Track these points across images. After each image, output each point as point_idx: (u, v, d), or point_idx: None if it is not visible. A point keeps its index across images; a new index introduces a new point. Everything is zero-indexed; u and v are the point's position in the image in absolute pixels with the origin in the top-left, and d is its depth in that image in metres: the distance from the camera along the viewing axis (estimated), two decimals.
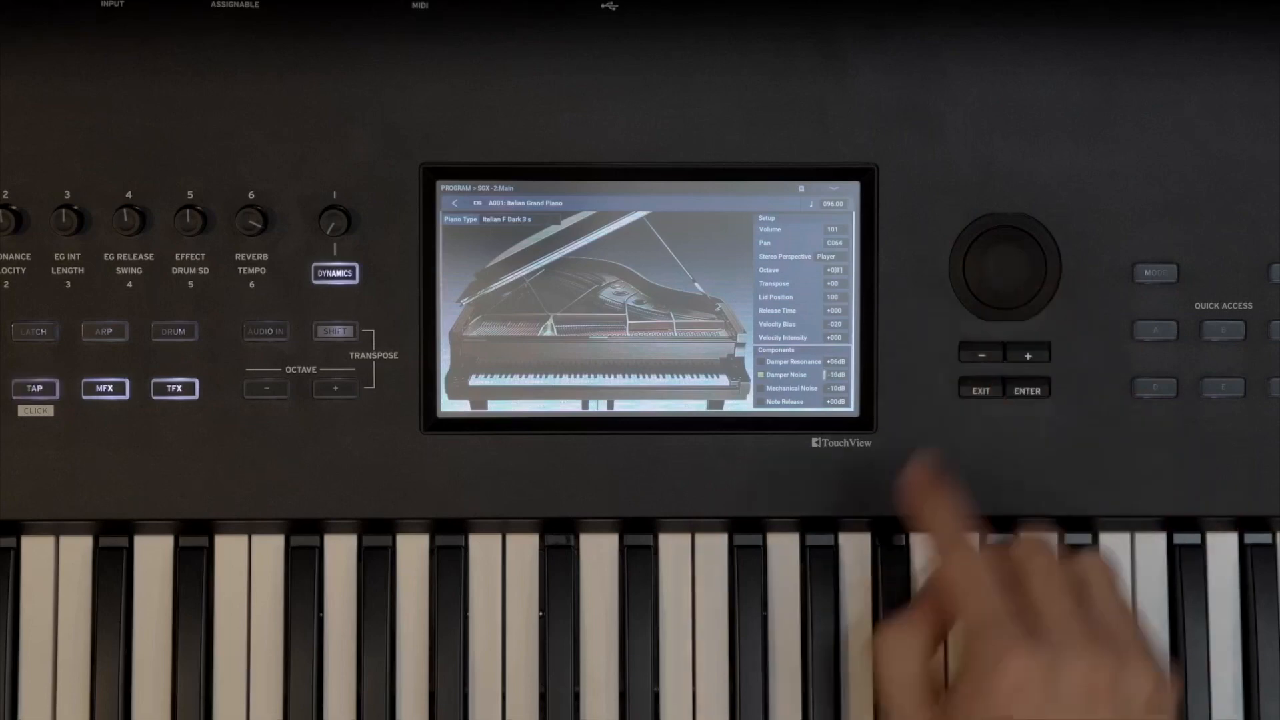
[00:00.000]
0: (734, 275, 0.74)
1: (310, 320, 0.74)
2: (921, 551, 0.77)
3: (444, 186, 0.74)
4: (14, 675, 0.75)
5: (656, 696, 0.76)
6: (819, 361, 0.75)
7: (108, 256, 0.73)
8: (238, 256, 0.73)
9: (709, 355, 0.75)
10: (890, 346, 0.74)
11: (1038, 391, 0.74)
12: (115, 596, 0.75)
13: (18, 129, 0.73)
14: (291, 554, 0.76)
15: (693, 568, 0.77)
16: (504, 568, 0.77)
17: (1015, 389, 0.74)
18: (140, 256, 0.73)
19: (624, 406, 0.75)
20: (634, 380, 0.75)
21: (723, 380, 0.75)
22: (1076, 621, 0.64)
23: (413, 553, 0.77)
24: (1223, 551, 0.78)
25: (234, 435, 0.73)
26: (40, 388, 0.73)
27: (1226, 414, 0.75)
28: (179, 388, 0.73)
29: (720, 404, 0.75)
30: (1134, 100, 0.74)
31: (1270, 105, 0.74)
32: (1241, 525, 0.77)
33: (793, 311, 0.75)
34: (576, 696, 0.76)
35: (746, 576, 0.76)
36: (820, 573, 0.76)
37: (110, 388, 0.73)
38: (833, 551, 0.77)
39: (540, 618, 0.76)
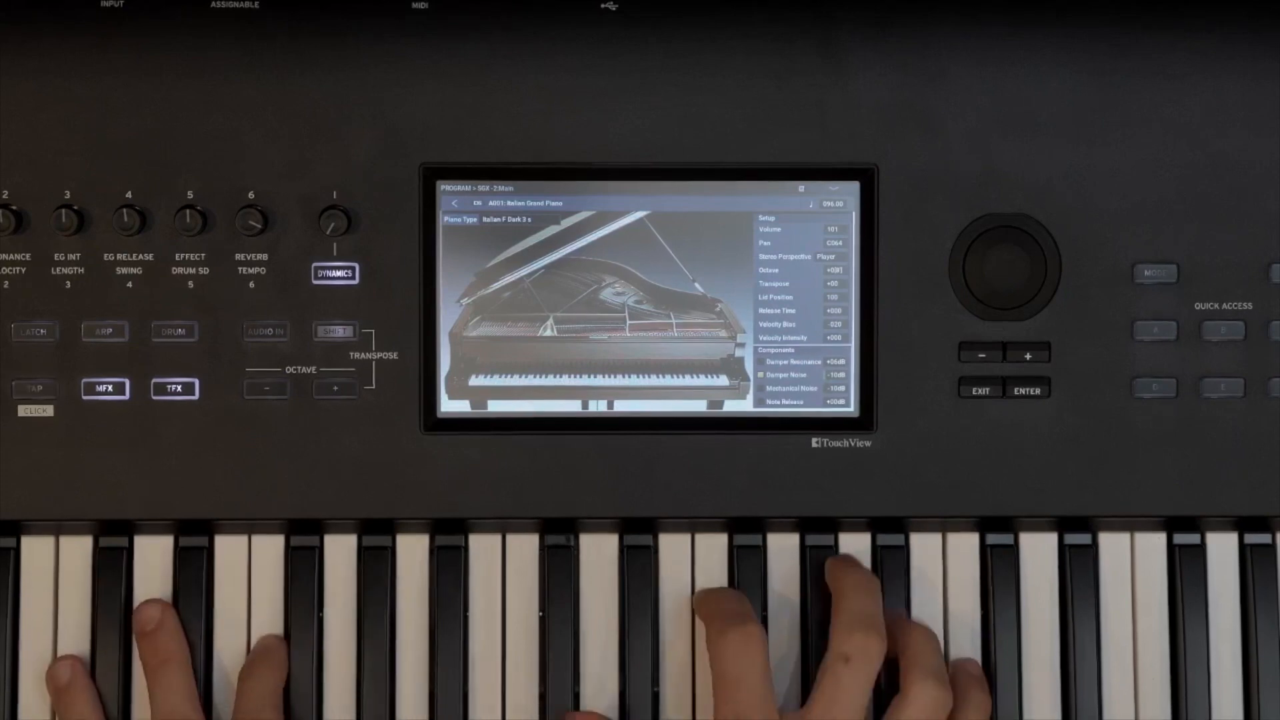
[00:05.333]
0: (734, 275, 0.74)
1: (310, 320, 0.74)
2: (921, 551, 0.77)
3: (444, 186, 0.74)
4: (14, 675, 0.75)
5: (656, 696, 0.76)
6: (819, 361, 0.75)
7: (108, 256, 0.73)
8: (238, 256, 0.73)
9: (709, 355, 0.75)
10: (890, 346, 0.74)
11: (1038, 391, 0.74)
12: (115, 596, 0.75)
13: (18, 129, 0.73)
14: (291, 554, 0.76)
15: (693, 568, 0.77)
16: (504, 568, 0.77)
17: (1015, 389, 0.74)
18: (140, 256, 0.73)
19: (624, 406, 0.75)
20: (634, 380, 0.75)
21: (722, 380, 0.75)
22: None
23: (413, 553, 0.77)
24: (1223, 551, 0.78)
25: (234, 435, 0.73)
26: (40, 388, 0.73)
27: (1226, 414, 0.75)
28: (179, 388, 0.73)
29: (720, 404, 0.75)
30: (1134, 100, 0.74)
31: (1270, 105, 0.74)
32: (1241, 525, 0.77)
33: (793, 311, 0.75)
34: (576, 696, 0.76)
35: (746, 576, 0.76)
36: (820, 573, 0.76)
37: (110, 388, 0.73)
38: (833, 552, 0.77)
39: (540, 618, 0.76)
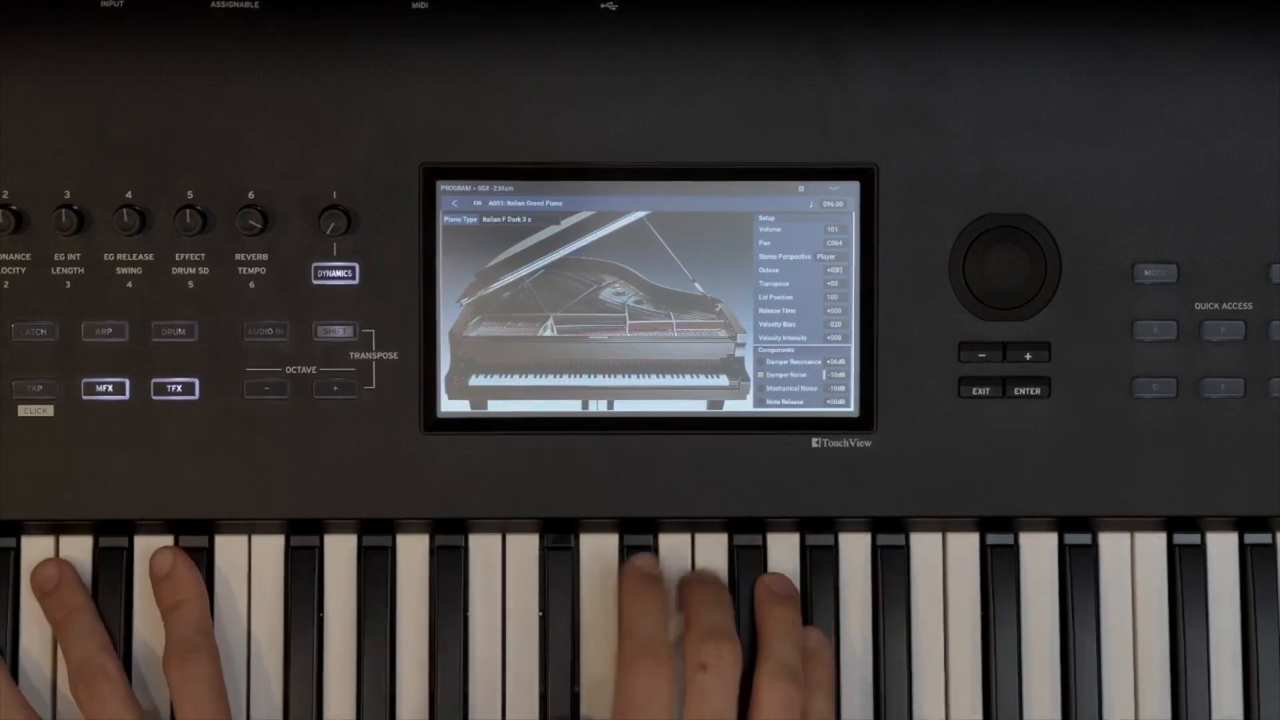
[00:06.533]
0: (734, 275, 0.74)
1: (310, 320, 0.74)
2: (921, 551, 0.77)
3: (444, 186, 0.74)
4: (14, 675, 0.75)
5: None
6: (819, 361, 0.75)
7: (108, 256, 0.73)
8: (238, 256, 0.74)
9: (709, 355, 0.75)
10: (890, 346, 0.74)
11: (1038, 391, 0.74)
12: (115, 596, 0.75)
13: (18, 129, 0.73)
14: (291, 554, 0.76)
15: (693, 568, 0.77)
16: (504, 568, 0.77)
17: (1015, 389, 0.74)
18: (140, 256, 0.73)
19: (624, 406, 0.75)
20: (634, 380, 0.75)
21: (722, 380, 0.75)
22: None
23: (413, 553, 0.77)
24: (1223, 551, 0.78)
25: (234, 435, 0.73)
26: (40, 388, 0.73)
27: (1226, 414, 0.75)
28: (179, 388, 0.73)
29: (720, 404, 0.75)
30: (1134, 100, 0.74)
31: (1270, 105, 0.74)
32: (1241, 525, 0.77)
33: (793, 311, 0.75)
34: (576, 696, 0.76)
35: (746, 576, 0.76)
36: (820, 573, 0.77)
37: (110, 388, 0.73)
38: (833, 551, 0.77)
39: (540, 618, 0.76)
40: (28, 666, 0.76)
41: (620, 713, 0.70)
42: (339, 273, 0.74)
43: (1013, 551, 0.77)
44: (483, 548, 0.77)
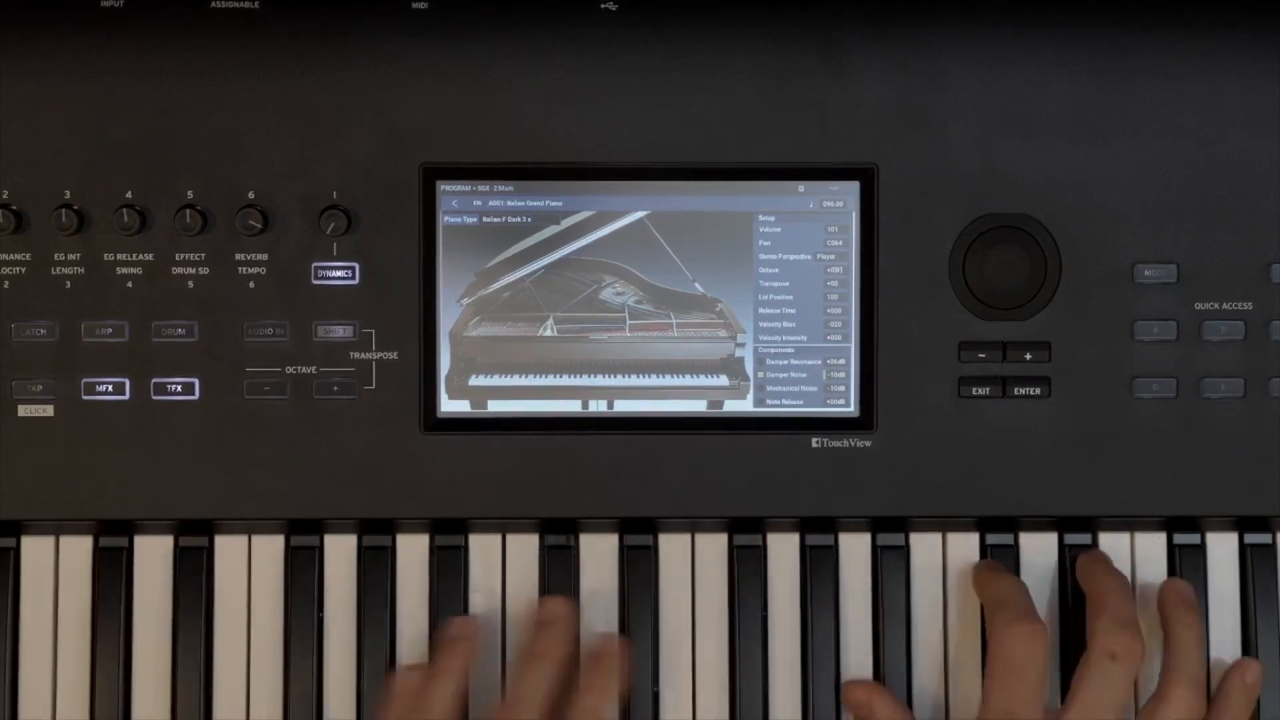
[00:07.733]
0: (734, 275, 0.74)
1: (310, 320, 0.74)
2: (921, 551, 0.77)
3: (444, 186, 0.74)
4: (14, 675, 0.75)
5: (656, 696, 0.76)
6: (819, 361, 0.75)
7: (108, 256, 0.73)
8: (238, 256, 0.74)
9: (709, 355, 0.75)
10: (890, 346, 0.74)
11: (1038, 391, 0.74)
12: (115, 596, 0.76)
13: (18, 129, 0.73)
14: (291, 554, 0.76)
15: (693, 568, 0.77)
16: (504, 568, 0.77)
17: (1015, 389, 0.74)
18: (140, 256, 0.73)
19: (624, 406, 0.75)
20: (634, 380, 0.75)
21: (722, 380, 0.75)
22: None
23: (413, 553, 0.77)
24: (1223, 551, 0.78)
25: (234, 435, 0.73)
26: (40, 388, 0.73)
27: (1226, 414, 0.75)
28: (179, 388, 0.73)
29: (720, 404, 0.75)
30: (1134, 100, 0.74)
31: (1270, 105, 0.74)
32: (1241, 525, 0.77)
33: (793, 311, 0.75)
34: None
35: (746, 576, 0.77)
36: (820, 573, 0.77)
37: (110, 388, 0.73)
38: (833, 551, 0.77)
39: None
40: (27, 665, 0.76)
41: (996, 678, 0.71)
42: (339, 273, 0.74)
43: (1013, 551, 0.77)
44: (483, 548, 0.77)
